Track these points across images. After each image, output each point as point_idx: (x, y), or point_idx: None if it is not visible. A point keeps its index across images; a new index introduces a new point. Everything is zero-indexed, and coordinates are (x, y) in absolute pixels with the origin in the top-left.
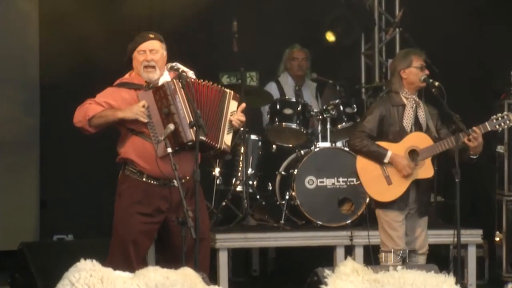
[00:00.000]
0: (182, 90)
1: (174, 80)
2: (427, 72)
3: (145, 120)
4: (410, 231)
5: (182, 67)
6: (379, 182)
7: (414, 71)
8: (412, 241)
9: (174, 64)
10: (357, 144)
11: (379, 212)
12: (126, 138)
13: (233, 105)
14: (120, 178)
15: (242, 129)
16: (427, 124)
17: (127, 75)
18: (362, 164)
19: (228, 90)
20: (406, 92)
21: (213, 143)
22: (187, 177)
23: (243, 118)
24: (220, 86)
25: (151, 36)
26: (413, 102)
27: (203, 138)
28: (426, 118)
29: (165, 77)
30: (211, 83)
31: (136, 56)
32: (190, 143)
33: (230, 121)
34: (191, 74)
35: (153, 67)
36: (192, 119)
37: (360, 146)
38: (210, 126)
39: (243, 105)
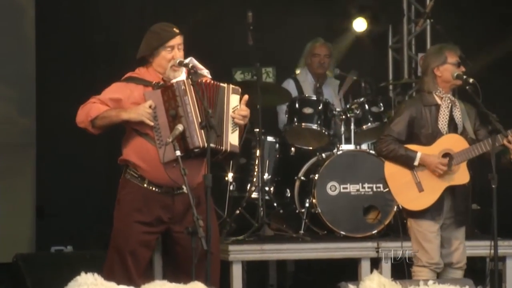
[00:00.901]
0: (192, 90)
1: (185, 80)
2: (462, 69)
3: (151, 123)
4: (447, 244)
5: (196, 64)
6: (409, 189)
7: (449, 68)
8: (448, 255)
9: (188, 60)
10: (383, 149)
11: (411, 222)
12: (129, 138)
13: (234, 99)
14: (120, 182)
15: (257, 130)
16: (463, 125)
17: (136, 70)
18: (391, 170)
19: (224, 84)
20: (440, 91)
21: (218, 147)
22: (194, 186)
23: (245, 112)
24: (214, 81)
25: (177, 31)
26: (449, 101)
27: (212, 145)
28: (463, 118)
29: (183, 76)
30: (208, 80)
31: (162, 53)
32: (197, 150)
33: (233, 118)
34: (206, 73)
35: (179, 65)
36: (197, 123)
37: (387, 151)
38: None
39: (246, 97)
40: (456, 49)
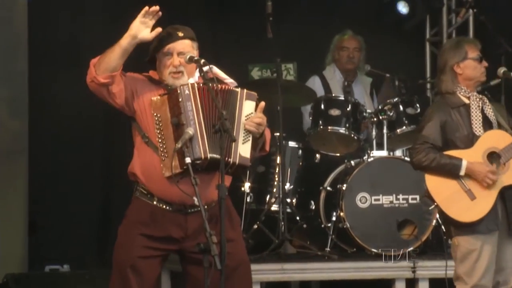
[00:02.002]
0: (200, 94)
1: (190, 84)
2: (485, 64)
3: (148, 30)
4: (497, 258)
5: (218, 72)
6: (460, 200)
7: (471, 64)
8: (498, 271)
9: (206, 68)
10: (423, 160)
11: (459, 240)
12: (137, 146)
13: (248, 106)
14: (132, 200)
15: (277, 134)
16: (497, 121)
17: (149, 73)
18: (434, 182)
19: (237, 89)
20: (464, 90)
21: (226, 159)
22: (213, 204)
23: (258, 119)
24: (226, 86)
25: (180, 34)
26: (478, 99)
27: (217, 156)
28: (495, 115)
29: (191, 81)
30: (219, 85)
31: (161, 58)
32: (199, 162)
33: (245, 127)
34: (230, 83)
35: (181, 72)
36: (208, 132)
37: (428, 161)
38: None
39: (262, 104)
40: (476, 42)
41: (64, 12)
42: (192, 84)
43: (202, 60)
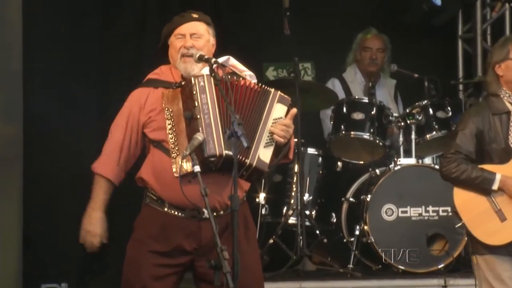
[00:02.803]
0: (215, 88)
1: (205, 75)
2: None
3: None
4: None
5: (236, 64)
6: (488, 220)
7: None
8: None
9: (224, 58)
10: (453, 171)
11: (477, 259)
12: (148, 150)
13: (278, 110)
14: (141, 208)
15: (295, 140)
16: None
17: (157, 70)
18: (463, 197)
19: (272, 90)
20: (509, 95)
21: (242, 158)
22: (228, 210)
23: (286, 125)
24: (262, 84)
25: (195, 16)
26: None
27: (228, 152)
28: None
29: (205, 71)
30: (252, 81)
31: (173, 42)
32: (213, 159)
33: (271, 133)
34: (248, 76)
35: (193, 55)
36: (225, 128)
37: (458, 172)
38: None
39: (294, 110)
40: None
41: (62, 3)
42: (208, 76)
43: (213, 60)
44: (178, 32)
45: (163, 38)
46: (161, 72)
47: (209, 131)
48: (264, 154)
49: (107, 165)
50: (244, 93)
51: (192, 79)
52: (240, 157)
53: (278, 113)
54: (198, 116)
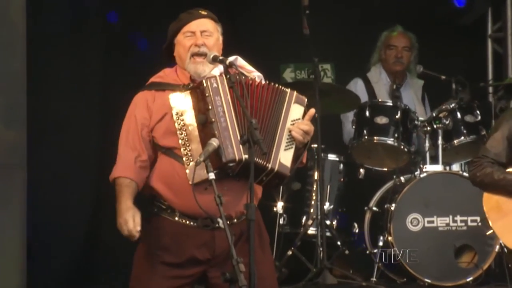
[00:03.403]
0: (230, 90)
1: (218, 76)
2: None
3: (134, 236)
4: None
5: (244, 64)
6: None
7: None
8: None
9: (232, 58)
10: (478, 174)
11: None
12: (156, 157)
13: (296, 110)
14: (146, 218)
15: (315, 146)
16: None
17: (160, 73)
18: (492, 203)
19: (288, 90)
20: None
21: (262, 163)
22: (242, 217)
23: (306, 127)
24: (276, 84)
25: (203, 13)
26: None
27: (263, 162)
28: None
29: (215, 72)
30: (267, 82)
31: (181, 40)
32: (231, 165)
33: (290, 132)
34: (257, 76)
35: (205, 55)
36: (242, 132)
37: (482, 175)
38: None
39: (312, 111)
40: None
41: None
42: (221, 77)
43: (228, 60)
44: (187, 29)
45: (169, 37)
46: (165, 75)
47: (226, 135)
48: (285, 157)
49: (126, 167)
50: (260, 94)
51: (204, 80)
52: (261, 162)
53: (296, 114)
54: (213, 120)
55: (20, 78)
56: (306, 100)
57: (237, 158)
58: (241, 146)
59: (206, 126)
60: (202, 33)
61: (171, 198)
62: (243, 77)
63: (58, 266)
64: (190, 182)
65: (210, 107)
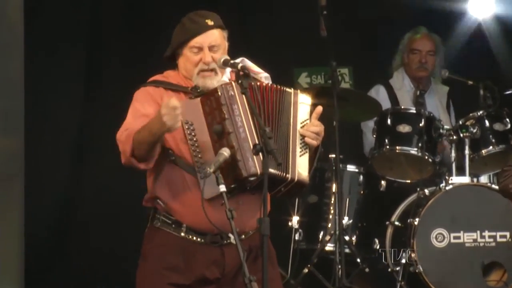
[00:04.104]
0: (243, 97)
1: (233, 83)
2: None
3: (175, 125)
4: None
5: (251, 66)
6: None
7: None
8: None
9: (238, 60)
10: (510, 186)
11: None
12: (158, 166)
13: (303, 111)
14: (147, 233)
15: (333, 156)
16: None
17: (164, 73)
18: None
19: (292, 90)
20: None
21: (281, 174)
22: (250, 232)
23: (317, 128)
24: (275, 84)
25: (210, 23)
26: None
27: (273, 171)
28: None
29: (224, 79)
30: (271, 84)
31: (187, 54)
32: (253, 179)
33: (302, 136)
34: (264, 77)
35: (212, 70)
36: (257, 141)
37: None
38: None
39: (319, 108)
40: None
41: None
42: (237, 84)
43: (240, 65)
44: (194, 44)
45: (174, 47)
46: (169, 76)
47: (246, 147)
48: (302, 164)
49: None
50: (269, 98)
51: (219, 88)
52: (279, 173)
53: (303, 115)
54: (231, 130)
55: (17, 83)
56: (310, 97)
57: (259, 172)
58: (261, 157)
59: (222, 137)
60: (210, 48)
61: (180, 212)
62: (258, 83)
63: (60, 285)
64: (205, 197)
65: (227, 117)
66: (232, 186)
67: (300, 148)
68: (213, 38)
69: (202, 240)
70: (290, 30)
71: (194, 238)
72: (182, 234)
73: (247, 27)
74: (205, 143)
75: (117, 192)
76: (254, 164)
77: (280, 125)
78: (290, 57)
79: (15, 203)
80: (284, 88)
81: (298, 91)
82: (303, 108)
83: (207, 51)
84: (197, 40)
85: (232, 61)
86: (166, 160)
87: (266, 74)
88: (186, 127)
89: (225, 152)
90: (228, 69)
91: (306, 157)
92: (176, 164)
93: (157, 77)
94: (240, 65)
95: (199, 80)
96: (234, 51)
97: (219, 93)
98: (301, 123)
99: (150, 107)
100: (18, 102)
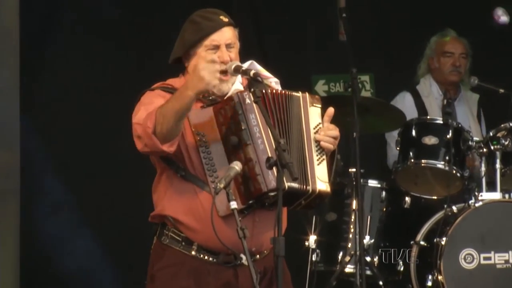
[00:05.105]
0: (257, 106)
1: (249, 91)
2: None
3: (213, 81)
4: None
5: (260, 69)
6: None
7: None
8: None
9: (248, 64)
10: None
11: None
12: (166, 181)
13: (314, 114)
14: (153, 250)
15: (353, 170)
16: None
17: (167, 81)
18: None
19: (299, 93)
20: None
21: (301, 187)
22: (265, 251)
23: (334, 132)
24: (283, 90)
25: (225, 20)
26: None
27: (294, 184)
28: None
29: (237, 85)
30: (278, 90)
31: (202, 54)
32: (273, 194)
33: (317, 142)
34: (274, 83)
35: (227, 72)
36: (271, 154)
37: None
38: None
39: (331, 110)
40: None
41: (65, 5)
42: (250, 93)
43: (253, 71)
44: (210, 42)
45: (187, 47)
46: (173, 83)
47: (265, 160)
48: (321, 173)
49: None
50: (280, 105)
51: (234, 96)
52: (299, 186)
53: (315, 119)
54: (248, 142)
55: (13, 88)
56: (319, 98)
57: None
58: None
59: (238, 149)
60: (227, 46)
61: (191, 229)
62: (274, 90)
63: None
64: (220, 214)
65: (243, 127)
66: (250, 202)
67: (317, 155)
68: (229, 36)
69: (214, 260)
70: (307, 34)
71: (206, 257)
72: (193, 253)
73: (262, 32)
74: (219, 156)
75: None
76: (274, 178)
77: (292, 133)
78: (307, 64)
79: (11, 219)
80: (291, 93)
81: (306, 93)
82: (313, 111)
83: (224, 49)
84: (214, 38)
85: (244, 68)
86: (176, 176)
87: (276, 79)
88: (198, 138)
89: (237, 166)
90: (239, 78)
91: (324, 164)
92: (186, 180)
93: (161, 83)
94: (252, 71)
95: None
96: (246, 56)
97: (235, 101)
98: (314, 128)
99: (161, 101)
100: (13, 112)
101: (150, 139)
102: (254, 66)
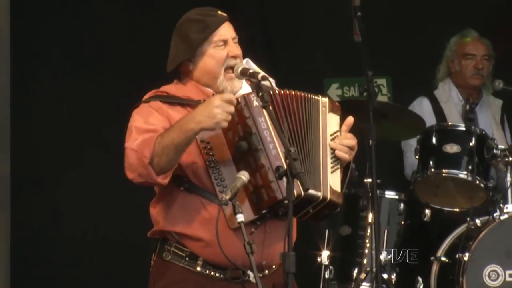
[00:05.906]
0: (265, 110)
1: (257, 94)
2: None
3: (223, 123)
4: None
5: (255, 68)
6: None
7: None
8: None
9: (244, 61)
10: None
11: None
12: (168, 196)
13: (332, 121)
14: (154, 267)
15: (369, 180)
16: None
17: (162, 88)
18: None
19: (320, 97)
20: None
21: (312, 193)
22: (274, 266)
23: (351, 142)
24: (300, 92)
25: (224, 14)
26: None
27: (312, 192)
28: None
29: (244, 88)
30: (294, 91)
31: (211, 52)
32: (287, 202)
33: (333, 150)
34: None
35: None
36: (283, 160)
37: None
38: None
39: (350, 119)
40: None
41: (58, 6)
42: (257, 96)
43: (260, 74)
44: (218, 37)
45: (195, 47)
46: (172, 92)
47: (275, 169)
48: (334, 181)
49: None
50: (294, 108)
51: (241, 98)
52: (310, 192)
53: (333, 126)
54: (259, 147)
55: (2, 93)
56: (339, 105)
57: (295, 193)
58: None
59: (248, 155)
60: (232, 40)
61: (197, 243)
62: (282, 92)
63: None
64: (230, 227)
65: (253, 131)
66: (263, 212)
67: (332, 163)
68: (232, 30)
69: (222, 276)
70: (319, 36)
71: (212, 273)
72: (198, 268)
73: (270, 32)
74: (226, 163)
75: None
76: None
77: (307, 137)
78: (319, 66)
79: (1, 234)
80: (310, 96)
81: (327, 98)
82: (332, 118)
83: (232, 43)
84: (221, 33)
85: (251, 71)
86: (179, 189)
87: (272, 80)
88: (203, 146)
89: (243, 176)
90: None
91: (338, 174)
92: (191, 192)
93: (155, 91)
94: (260, 74)
95: (227, 83)
96: (257, 59)
97: (242, 104)
98: (330, 135)
99: (158, 119)
100: (3, 118)
101: (146, 169)
102: (249, 65)
